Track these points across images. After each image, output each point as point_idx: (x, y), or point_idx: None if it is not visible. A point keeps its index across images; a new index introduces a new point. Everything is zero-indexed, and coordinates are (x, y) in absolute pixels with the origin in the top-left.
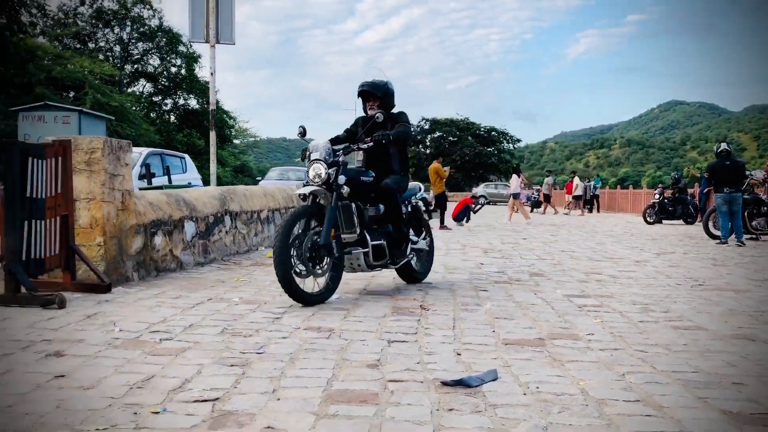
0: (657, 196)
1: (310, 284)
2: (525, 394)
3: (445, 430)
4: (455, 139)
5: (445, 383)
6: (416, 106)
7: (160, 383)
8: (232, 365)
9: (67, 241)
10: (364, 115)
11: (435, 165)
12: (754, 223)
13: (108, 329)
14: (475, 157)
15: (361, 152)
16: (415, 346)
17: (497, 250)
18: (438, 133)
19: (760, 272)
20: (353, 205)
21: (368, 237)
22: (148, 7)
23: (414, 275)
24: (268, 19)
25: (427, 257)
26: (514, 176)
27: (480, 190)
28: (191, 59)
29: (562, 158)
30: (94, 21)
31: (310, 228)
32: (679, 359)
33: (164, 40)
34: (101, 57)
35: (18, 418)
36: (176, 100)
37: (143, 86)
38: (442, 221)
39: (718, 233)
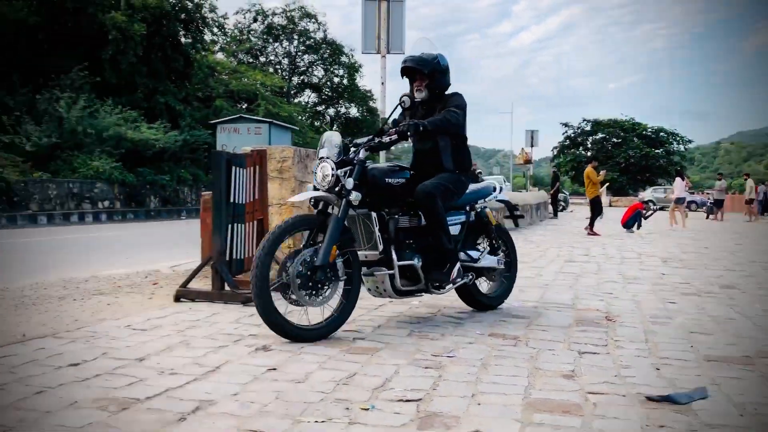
0: None
1: (315, 313)
2: (742, 415)
3: None
4: (619, 140)
5: (650, 398)
6: (574, 106)
7: (363, 381)
8: (426, 367)
9: None
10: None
11: (588, 169)
12: None
13: None
14: (641, 159)
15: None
16: (608, 358)
17: (678, 259)
18: (600, 135)
19: None
20: (374, 215)
21: (394, 255)
22: (314, 21)
23: (480, 300)
24: (423, 26)
25: (505, 277)
26: (678, 179)
27: (647, 194)
28: (353, 69)
29: (739, 160)
30: (265, 36)
31: (316, 244)
32: None
33: (328, 51)
34: (271, 70)
35: (245, 407)
36: (338, 108)
37: (308, 96)
38: (591, 226)
39: None
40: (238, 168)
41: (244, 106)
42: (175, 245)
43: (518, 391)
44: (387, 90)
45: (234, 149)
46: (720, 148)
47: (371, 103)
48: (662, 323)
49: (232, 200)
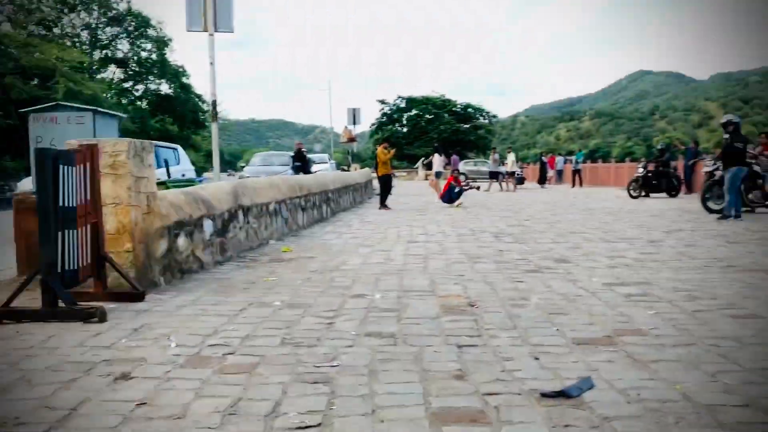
0: (641, 170)
1: None
2: (629, 402)
3: None
4: (432, 116)
5: (544, 395)
6: (393, 83)
7: (251, 407)
8: (314, 382)
9: (98, 249)
10: None
11: (379, 149)
12: (750, 195)
13: (163, 344)
14: (453, 134)
15: None
16: (488, 351)
17: (507, 234)
18: (414, 112)
19: None
20: None
21: None
22: None
23: None
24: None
25: None
26: (436, 155)
27: (461, 168)
28: (162, 43)
29: (533, 132)
30: (59, 6)
31: None
32: (758, 353)
33: (133, 24)
34: (69, 44)
35: None
36: (147, 85)
37: (113, 72)
38: (382, 201)
39: (716, 208)
40: (66, 166)
41: (37, 82)
42: None
43: (417, 401)
44: (189, 66)
45: (52, 142)
46: (517, 121)
47: (184, 80)
48: (521, 306)
49: (61, 204)
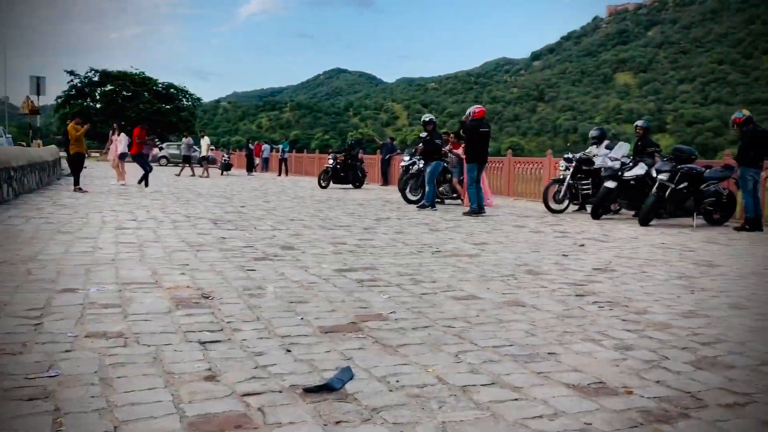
0: (331, 162)
1: None
2: (392, 390)
3: None
4: (130, 94)
5: (308, 390)
6: (73, 54)
7: None
8: (31, 399)
9: None
10: None
11: (70, 126)
12: (441, 188)
13: None
14: (153, 114)
15: None
16: (235, 346)
17: (227, 221)
18: (110, 87)
19: (474, 236)
20: None
21: None
22: None
23: None
24: None
25: None
26: (123, 135)
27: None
28: None
29: (236, 119)
30: None
31: None
32: (487, 332)
33: None
34: None
35: None
36: None
37: None
38: (76, 182)
39: (414, 198)
40: None
41: None
42: None
43: (168, 410)
44: None
45: None
46: (220, 106)
47: None
48: (258, 296)
49: None
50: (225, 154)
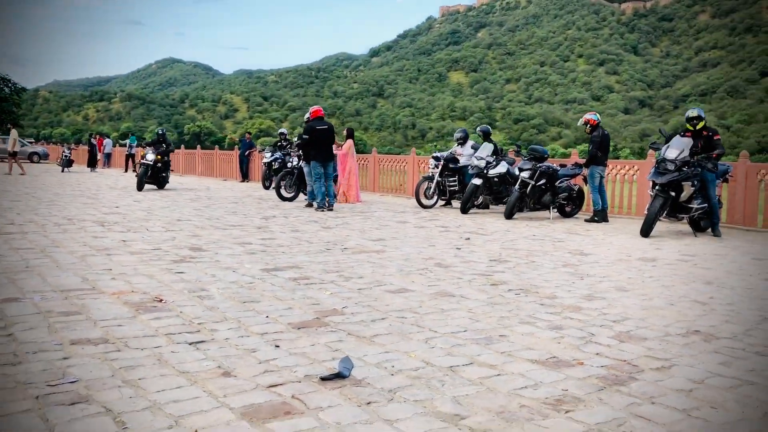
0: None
1: None
2: (393, 375)
3: (403, 423)
4: None
5: (324, 378)
6: None
7: None
8: (73, 403)
9: None
10: None
11: None
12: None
13: None
14: None
15: None
16: (224, 344)
17: (113, 222)
18: None
19: (367, 232)
20: None
21: None
22: None
23: None
24: None
25: None
26: (14, 131)
27: None
28: None
29: (58, 109)
30: None
31: None
32: (437, 320)
33: None
34: None
35: None
36: None
37: None
38: None
39: (288, 196)
40: None
41: None
42: None
43: (213, 404)
44: None
45: None
46: (39, 95)
47: None
48: (207, 297)
49: None
50: (66, 149)
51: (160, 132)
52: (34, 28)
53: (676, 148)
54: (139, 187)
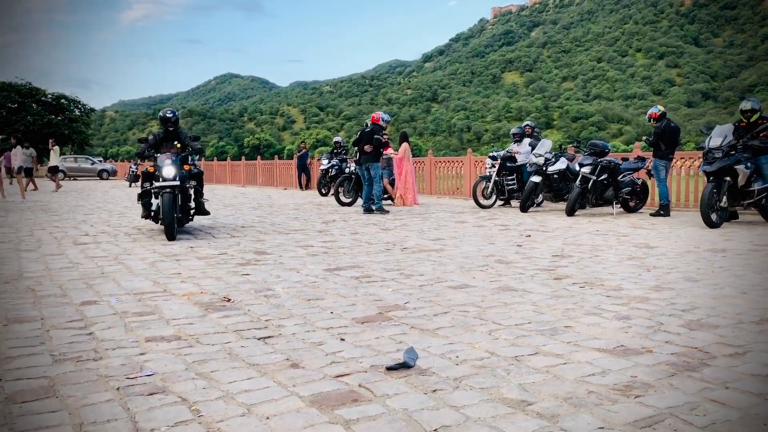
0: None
1: None
2: (458, 364)
3: (470, 408)
4: (16, 105)
5: (390, 368)
6: None
7: None
8: (151, 394)
9: None
10: None
11: None
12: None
13: None
14: (44, 126)
15: None
16: (291, 338)
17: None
18: None
19: (425, 233)
20: None
21: None
22: None
23: None
24: None
25: None
26: (19, 147)
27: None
28: None
29: (124, 128)
30: None
31: None
32: (501, 313)
33: None
34: None
35: None
36: None
37: None
38: None
39: (347, 201)
40: None
41: None
42: None
43: (283, 393)
44: None
45: None
46: (106, 116)
47: None
48: (273, 296)
49: None
50: (132, 166)
51: (169, 115)
52: (100, 52)
53: (719, 137)
54: (170, 236)
